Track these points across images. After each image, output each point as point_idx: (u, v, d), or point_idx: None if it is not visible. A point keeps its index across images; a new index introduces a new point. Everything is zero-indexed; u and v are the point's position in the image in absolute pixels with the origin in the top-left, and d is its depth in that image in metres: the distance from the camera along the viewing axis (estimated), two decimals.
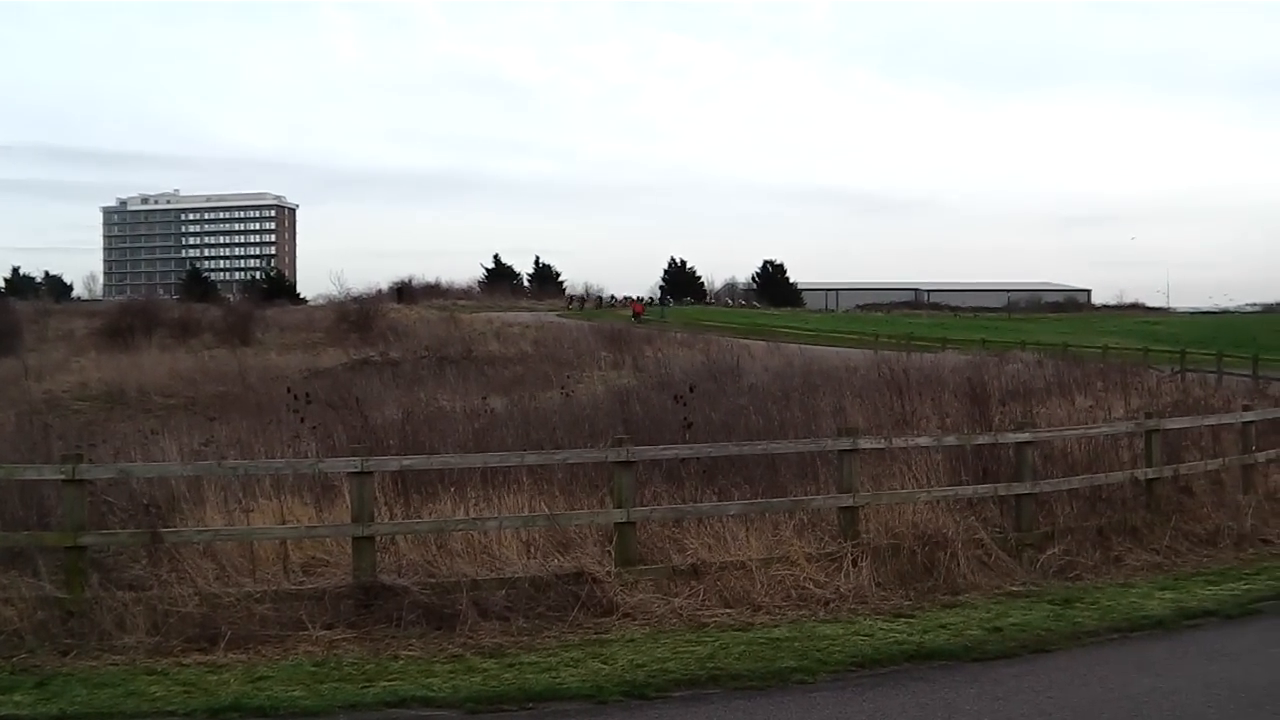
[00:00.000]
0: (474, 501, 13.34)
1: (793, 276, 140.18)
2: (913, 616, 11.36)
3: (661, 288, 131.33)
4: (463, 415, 20.41)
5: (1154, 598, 12.11)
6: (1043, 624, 11.04)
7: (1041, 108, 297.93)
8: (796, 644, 10.32)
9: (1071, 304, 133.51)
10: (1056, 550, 13.38)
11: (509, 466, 13.59)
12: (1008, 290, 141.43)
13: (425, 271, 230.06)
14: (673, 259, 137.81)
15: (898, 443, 14.60)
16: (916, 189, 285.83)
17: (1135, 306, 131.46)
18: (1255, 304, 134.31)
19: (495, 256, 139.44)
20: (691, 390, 18.87)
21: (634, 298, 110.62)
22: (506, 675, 9.50)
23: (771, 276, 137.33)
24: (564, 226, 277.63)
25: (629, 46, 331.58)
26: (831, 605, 11.69)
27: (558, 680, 9.34)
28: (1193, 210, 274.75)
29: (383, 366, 50.01)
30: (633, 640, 10.53)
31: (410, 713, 8.68)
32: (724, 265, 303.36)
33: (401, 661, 9.96)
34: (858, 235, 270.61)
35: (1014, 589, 12.46)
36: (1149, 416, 16.22)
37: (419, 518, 12.90)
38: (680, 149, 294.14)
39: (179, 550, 11.74)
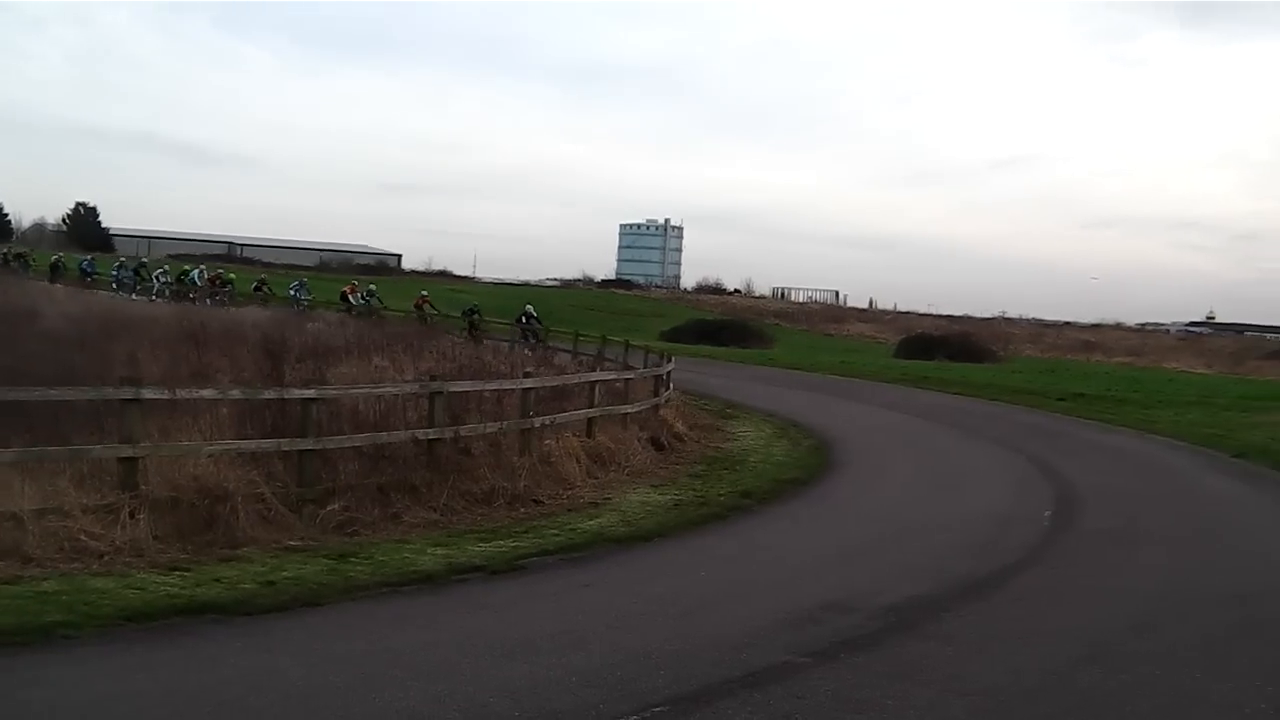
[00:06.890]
0: None
1: (106, 221, 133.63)
2: (189, 570, 11.27)
3: None
4: None
5: (427, 553, 12.70)
6: (317, 578, 11.28)
7: (370, 77, 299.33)
8: (65, 597, 9.97)
9: (383, 267, 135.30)
10: (337, 506, 13.70)
11: None
12: (321, 250, 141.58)
13: None
14: None
15: (182, 394, 14.30)
16: (242, 145, 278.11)
17: (443, 274, 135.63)
18: (555, 279, 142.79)
19: None
20: None
21: None
22: None
23: (83, 219, 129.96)
24: None
25: None
26: (106, 558, 11.36)
27: None
28: (505, 188, 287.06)
29: None
30: None
31: None
32: (36, 205, 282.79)
33: None
34: (179, 185, 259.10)
35: (293, 543, 12.65)
36: (434, 379, 16.92)
37: None
38: None
39: None
